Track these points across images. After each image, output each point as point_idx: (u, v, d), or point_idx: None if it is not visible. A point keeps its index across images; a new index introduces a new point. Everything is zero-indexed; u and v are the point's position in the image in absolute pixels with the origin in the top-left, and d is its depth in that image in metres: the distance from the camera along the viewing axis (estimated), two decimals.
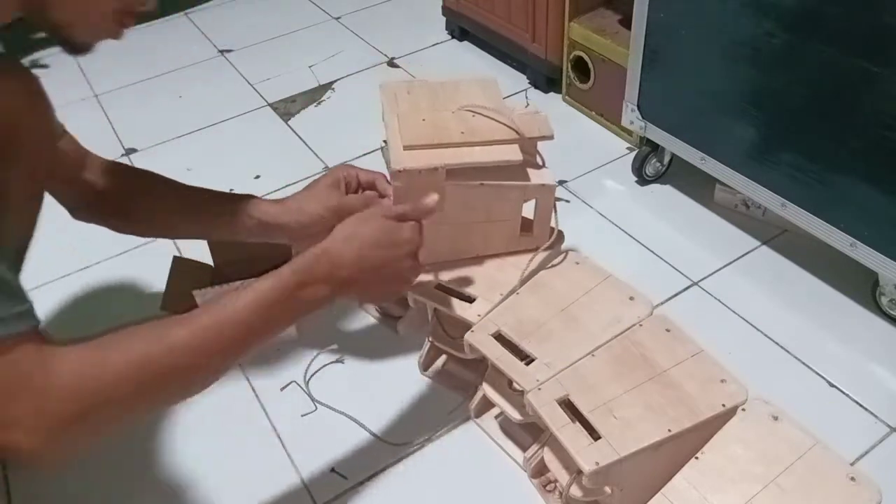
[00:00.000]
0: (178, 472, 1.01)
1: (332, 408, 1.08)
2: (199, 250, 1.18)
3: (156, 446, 1.05)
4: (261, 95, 1.80)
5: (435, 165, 0.95)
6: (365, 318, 1.21)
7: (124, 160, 1.61)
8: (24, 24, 0.72)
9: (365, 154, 1.53)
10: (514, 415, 0.94)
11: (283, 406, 1.09)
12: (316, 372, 1.13)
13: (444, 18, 1.95)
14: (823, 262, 1.22)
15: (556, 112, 1.56)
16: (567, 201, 1.41)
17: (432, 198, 0.84)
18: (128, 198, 0.99)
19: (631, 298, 0.99)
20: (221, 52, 2.00)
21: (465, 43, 1.93)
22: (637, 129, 1.39)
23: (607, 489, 0.84)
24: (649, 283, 1.08)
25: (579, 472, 0.81)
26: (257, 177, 1.52)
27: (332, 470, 1.00)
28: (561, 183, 1.44)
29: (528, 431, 0.99)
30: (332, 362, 1.14)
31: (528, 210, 1.05)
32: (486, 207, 1.01)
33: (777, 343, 1.13)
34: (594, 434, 0.82)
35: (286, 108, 1.75)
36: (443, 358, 1.12)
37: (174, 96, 1.83)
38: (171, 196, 0.99)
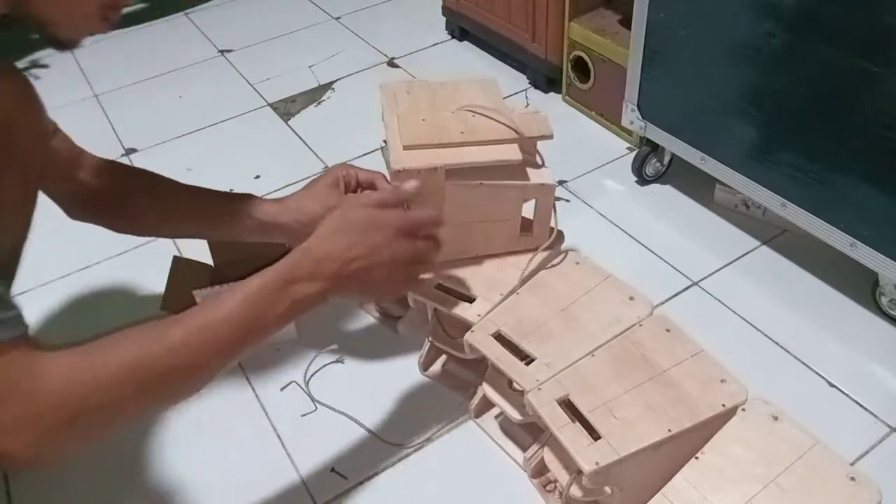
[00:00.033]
0: (178, 472, 1.01)
1: (332, 408, 1.08)
2: (199, 250, 1.18)
3: (156, 446, 1.05)
4: (261, 95, 1.80)
5: (434, 165, 0.95)
6: (365, 318, 1.21)
7: (124, 160, 1.61)
8: (18, 24, 0.72)
9: (365, 154, 1.53)
10: (514, 415, 0.94)
11: (283, 406, 1.09)
12: (316, 372, 1.13)
13: (444, 18, 1.95)
14: (823, 262, 1.22)
15: (556, 112, 1.56)
16: (567, 201, 1.41)
17: (411, 184, 0.84)
18: (123, 197, 0.98)
19: (631, 298, 0.99)
20: (221, 52, 2.00)
21: (465, 43, 1.93)
22: (637, 129, 1.39)
23: (607, 489, 0.84)
24: (649, 283, 1.08)
25: (579, 472, 0.81)
26: (257, 177, 1.52)
27: (332, 470, 1.00)
28: (561, 183, 1.44)
29: (528, 431, 0.99)
30: (332, 362, 1.14)
31: (528, 210, 1.05)
32: (486, 207, 1.01)
33: (777, 343, 1.13)
34: (594, 434, 0.82)
35: (286, 108, 1.75)
36: (443, 358, 1.12)
37: (174, 96, 1.83)
38: (167, 195, 0.99)
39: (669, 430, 0.82)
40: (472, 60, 1.86)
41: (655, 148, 1.40)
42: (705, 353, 0.92)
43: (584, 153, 1.52)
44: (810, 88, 1.07)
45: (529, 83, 1.75)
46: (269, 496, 0.98)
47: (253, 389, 1.12)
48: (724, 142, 1.23)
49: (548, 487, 0.95)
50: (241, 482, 0.99)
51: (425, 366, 1.11)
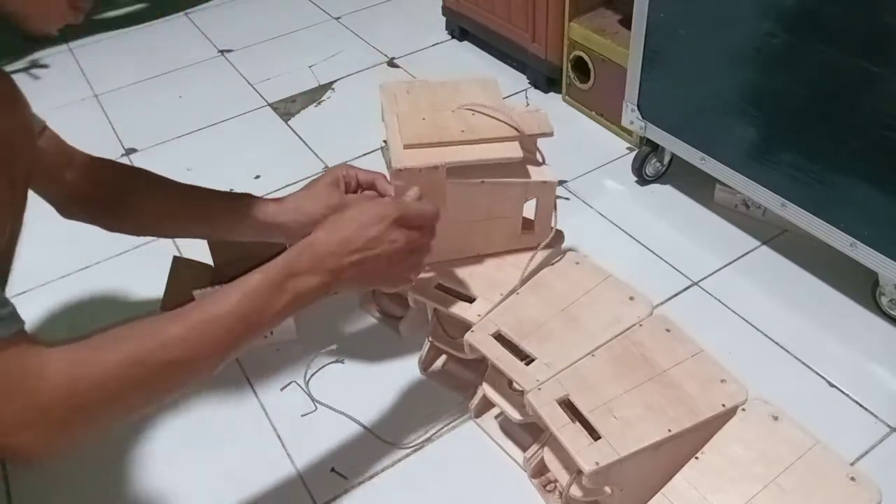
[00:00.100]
0: (178, 471, 1.01)
1: (332, 408, 1.08)
2: (199, 250, 1.18)
3: (156, 446, 1.05)
4: (261, 95, 1.80)
5: (435, 164, 0.95)
6: (365, 318, 1.21)
7: (124, 160, 1.61)
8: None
9: (365, 154, 1.53)
10: (514, 415, 0.94)
11: (283, 406, 1.09)
12: (316, 372, 1.13)
13: (444, 18, 1.95)
14: (823, 262, 1.22)
15: (556, 112, 1.56)
16: (567, 199, 1.41)
17: (413, 191, 0.86)
18: (118, 196, 0.98)
19: (631, 298, 0.99)
20: (221, 52, 2.00)
21: (465, 43, 1.93)
22: (637, 129, 1.39)
23: (607, 489, 0.84)
24: (649, 283, 1.08)
25: (579, 472, 0.81)
26: (257, 177, 1.52)
27: (332, 470, 1.00)
28: (561, 183, 1.44)
29: (528, 431, 0.99)
30: (332, 362, 1.14)
31: (528, 210, 1.05)
32: (487, 205, 1.01)
33: (777, 343, 1.13)
34: (594, 434, 0.82)
35: (286, 108, 1.75)
36: (443, 358, 1.12)
37: (174, 96, 1.83)
38: (165, 195, 0.99)
39: (669, 430, 0.82)
40: (472, 60, 1.86)
41: (655, 148, 1.40)
42: (705, 353, 0.92)
43: (584, 153, 1.52)
44: (810, 88, 1.07)
45: (529, 83, 1.75)
46: (269, 496, 0.98)
47: (253, 389, 1.12)
48: (724, 142, 1.23)
49: (548, 487, 0.95)
50: (242, 482, 0.99)
51: (425, 366, 1.11)
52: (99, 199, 0.97)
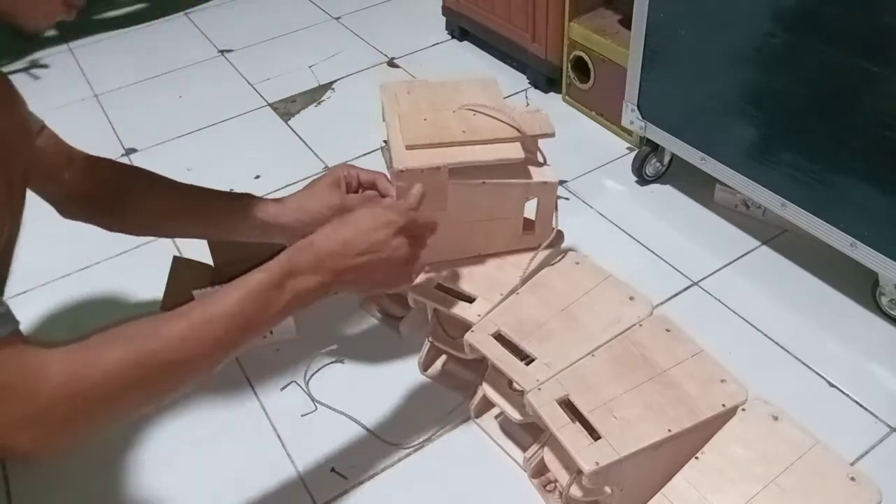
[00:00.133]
0: (178, 471, 1.01)
1: (332, 408, 1.08)
2: (199, 250, 1.18)
3: (156, 445, 1.05)
4: (261, 95, 1.80)
5: (437, 164, 0.95)
6: (365, 318, 1.21)
7: (124, 160, 1.61)
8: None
9: (365, 154, 1.53)
10: (514, 415, 0.94)
11: (283, 406, 1.09)
12: (316, 372, 1.13)
13: (444, 18, 1.95)
14: (823, 262, 1.22)
15: (556, 112, 1.55)
16: (567, 199, 1.41)
17: (417, 188, 0.86)
18: (117, 196, 0.97)
19: (631, 298, 0.99)
20: (221, 52, 2.00)
21: (465, 43, 1.93)
22: (637, 129, 1.39)
23: (607, 489, 0.84)
24: (649, 283, 1.08)
25: (579, 472, 0.81)
26: (257, 177, 1.52)
27: (332, 470, 1.00)
28: (561, 183, 1.43)
29: (528, 431, 0.99)
30: (332, 362, 1.14)
31: (529, 210, 1.05)
32: (489, 206, 1.01)
33: (777, 343, 1.13)
34: (594, 434, 0.82)
35: (286, 108, 1.75)
36: (443, 358, 1.12)
37: (174, 96, 1.83)
38: (163, 194, 0.99)
39: (669, 430, 0.82)
40: (472, 60, 1.86)
41: (655, 148, 1.40)
42: (705, 353, 0.92)
43: (584, 153, 1.52)
44: (810, 88, 1.07)
45: (529, 83, 1.75)
46: (269, 496, 0.98)
47: (253, 389, 1.12)
48: (724, 142, 1.23)
49: (548, 487, 0.95)
50: (242, 482, 0.99)
51: (425, 366, 1.11)
52: (98, 198, 0.97)
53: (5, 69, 1.57)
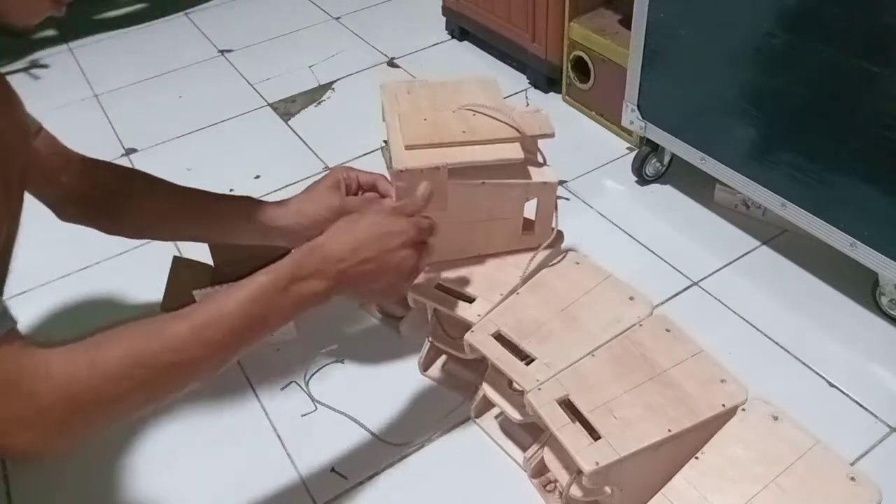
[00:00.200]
0: (178, 471, 1.01)
1: (332, 408, 1.08)
2: (199, 250, 1.18)
3: (156, 446, 1.05)
4: (261, 95, 1.80)
5: (437, 165, 0.95)
6: (365, 318, 1.21)
7: (124, 160, 1.61)
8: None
9: (365, 154, 1.53)
10: (514, 415, 0.94)
11: (283, 406, 1.09)
12: (316, 372, 1.13)
13: (444, 18, 1.95)
14: (823, 262, 1.22)
15: (556, 112, 1.55)
16: (567, 199, 1.41)
17: (424, 186, 0.85)
18: (115, 198, 0.97)
19: (631, 298, 0.99)
20: (221, 52, 2.00)
21: (465, 43, 1.93)
22: (637, 129, 1.39)
23: (607, 489, 0.84)
24: (649, 283, 1.08)
25: (579, 472, 0.81)
26: (257, 177, 1.52)
27: (332, 470, 1.00)
28: (561, 183, 1.44)
29: (528, 431, 0.99)
30: (332, 362, 1.14)
31: (529, 210, 1.05)
32: (488, 206, 1.01)
33: (777, 343, 1.13)
34: (594, 434, 0.82)
35: (286, 108, 1.75)
36: (443, 358, 1.12)
37: (174, 96, 1.83)
38: (161, 196, 0.98)
39: (669, 430, 0.82)
40: (472, 60, 1.86)
41: (655, 148, 1.40)
42: (705, 353, 0.92)
43: (584, 153, 1.52)
44: (810, 88, 1.07)
45: (529, 83, 1.75)
46: (269, 496, 0.98)
47: (253, 390, 1.12)
48: (724, 142, 1.23)
49: (548, 487, 0.95)
50: (241, 482, 0.99)
51: (425, 366, 1.11)
52: (95, 200, 0.96)
53: (5, 69, 1.57)
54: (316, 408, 1.08)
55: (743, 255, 1.28)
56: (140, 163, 1.59)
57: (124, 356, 0.65)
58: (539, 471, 0.96)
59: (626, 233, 1.34)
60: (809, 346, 1.12)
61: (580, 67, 1.58)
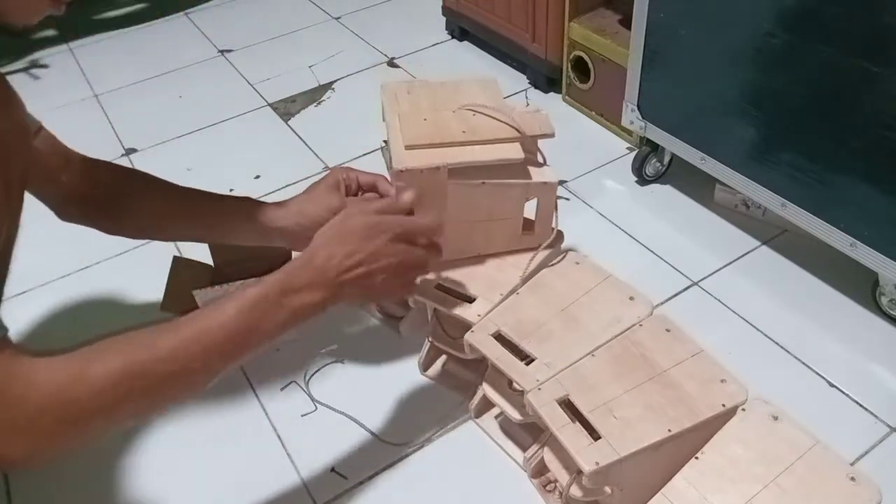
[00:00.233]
0: (178, 471, 1.01)
1: (332, 408, 1.08)
2: (199, 250, 1.18)
3: (156, 446, 1.05)
4: (261, 95, 1.80)
5: (437, 164, 0.95)
6: (365, 318, 1.21)
7: (124, 160, 1.61)
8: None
9: (365, 154, 1.53)
10: (514, 415, 0.94)
11: (283, 406, 1.09)
12: (316, 372, 1.13)
13: (444, 18, 1.95)
14: (823, 262, 1.22)
15: (556, 112, 1.55)
16: (567, 199, 1.41)
17: (408, 195, 0.84)
18: (115, 198, 0.97)
19: (631, 298, 0.99)
20: (221, 52, 2.00)
21: (465, 43, 1.93)
22: (637, 129, 1.39)
23: (607, 489, 0.84)
24: (649, 283, 1.08)
25: (579, 472, 0.81)
26: (257, 177, 1.52)
27: (332, 470, 1.00)
28: (561, 183, 1.44)
29: (528, 431, 0.99)
30: (332, 362, 1.14)
31: (529, 210, 1.05)
32: (488, 206, 1.01)
33: (777, 343, 1.13)
34: (594, 434, 0.82)
35: (286, 108, 1.75)
36: (443, 358, 1.12)
37: (174, 96, 1.83)
38: (161, 196, 0.98)
39: (669, 430, 0.82)
40: (472, 60, 1.86)
41: (655, 148, 1.40)
42: (705, 353, 0.92)
43: (584, 153, 1.52)
44: (810, 88, 1.07)
45: (529, 83, 1.75)
46: (269, 496, 0.98)
47: (253, 389, 1.12)
48: (724, 142, 1.23)
49: (548, 487, 0.95)
50: (241, 482, 0.99)
51: (425, 366, 1.11)
52: (95, 200, 0.96)
53: (5, 69, 1.57)
54: (316, 408, 1.08)
55: (743, 255, 1.28)
56: (140, 163, 1.59)
57: (115, 367, 0.64)
58: (539, 471, 0.96)
59: (626, 233, 1.34)
60: (809, 346, 1.12)
61: (580, 67, 1.58)
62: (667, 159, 1.41)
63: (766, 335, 1.14)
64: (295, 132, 1.66)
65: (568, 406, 0.86)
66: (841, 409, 1.04)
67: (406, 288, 0.84)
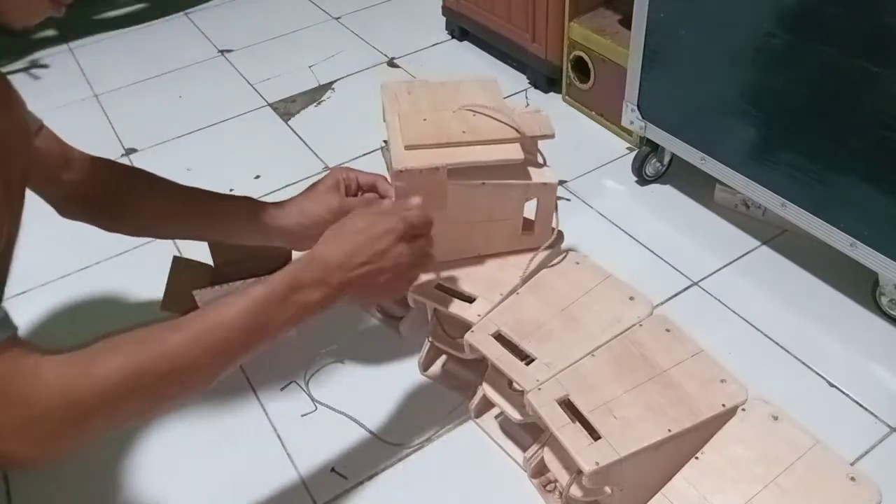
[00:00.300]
0: (178, 471, 1.01)
1: (332, 408, 1.08)
2: (199, 250, 1.18)
3: (156, 446, 1.05)
4: (261, 95, 1.80)
5: (436, 165, 0.95)
6: (365, 318, 1.21)
7: (124, 160, 1.61)
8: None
9: (365, 154, 1.53)
10: (514, 415, 0.94)
11: (283, 406, 1.09)
12: (316, 372, 1.13)
13: (444, 18, 1.95)
14: (823, 262, 1.22)
15: (556, 112, 1.55)
16: (567, 199, 1.41)
17: (415, 200, 0.85)
18: (116, 196, 0.97)
19: (631, 298, 0.99)
20: (221, 52, 2.00)
21: (465, 43, 1.93)
22: (637, 129, 1.39)
23: (607, 489, 0.84)
24: (649, 283, 1.08)
25: (579, 472, 0.81)
26: (257, 177, 1.52)
27: (332, 470, 1.00)
28: (561, 183, 1.44)
29: (528, 431, 0.99)
30: (332, 362, 1.14)
31: (529, 210, 1.05)
32: (488, 206, 1.01)
33: (777, 343, 1.13)
34: (594, 434, 0.82)
35: (286, 108, 1.75)
36: (443, 358, 1.12)
37: (174, 96, 1.83)
38: (162, 195, 0.98)
39: (669, 430, 0.82)
40: (472, 60, 1.86)
41: (655, 148, 1.40)
42: (705, 353, 0.92)
43: (584, 153, 1.52)
44: (810, 88, 1.07)
45: (529, 83, 1.75)
46: (269, 496, 0.98)
47: (253, 389, 1.12)
48: (724, 142, 1.23)
49: (548, 487, 0.95)
50: (241, 482, 0.99)
51: (425, 366, 1.11)
52: (97, 198, 0.96)
53: (5, 69, 1.57)
54: (316, 408, 1.08)
55: (743, 255, 1.28)
56: (140, 163, 1.59)
57: (121, 364, 0.65)
58: (539, 471, 0.96)
59: (626, 233, 1.34)
60: (809, 346, 1.12)
61: (580, 67, 1.58)
62: (667, 159, 1.41)
63: (766, 335, 1.14)
64: (295, 132, 1.66)
65: (568, 406, 0.86)
66: (841, 409, 1.04)
67: (409, 285, 0.86)
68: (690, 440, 0.84)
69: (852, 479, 0.80)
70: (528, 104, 1.66)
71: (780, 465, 0.81)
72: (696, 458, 0.84)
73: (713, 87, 1.22)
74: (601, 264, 1.05)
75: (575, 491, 0.87)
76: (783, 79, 1.10)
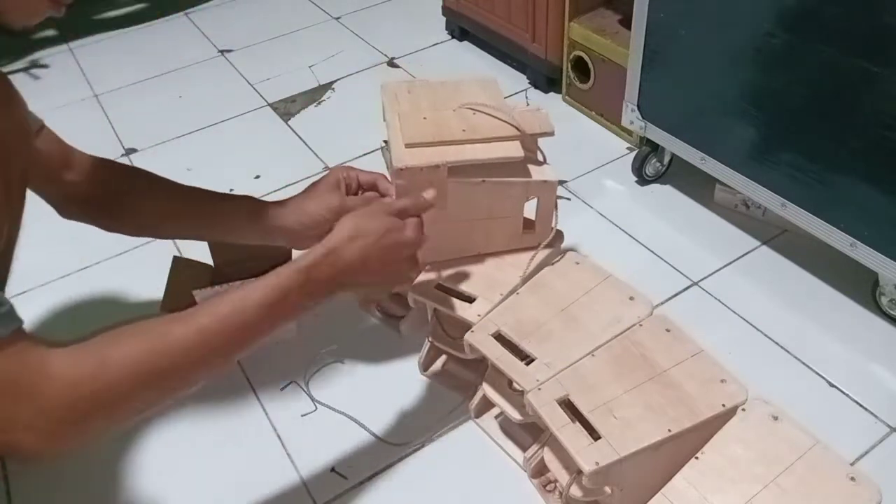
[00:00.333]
0: (178, 471, 1.01)
1: (332, 408, 1.08)
2: (199, 250, 1.18)
3: (156, 445, 1.05)
4: (261, 95, 1.80)
5: (437, 163, 0.95)
6: (365, 318, 1.21)
7: (124, 160, 1.61)
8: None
9: (365, 154, 1.53)
10: (514, 415, 0.94)
11: (283, 406, 1.09)
12: (316, 372, 1.13)
13: (444, 18, 1.96)
14: (823, 262, 1.22)
15: (556, 112, 1.55)
16: (568, 199, 1.41)
17: (430, 192, 0.87)
18: (116, 196, 0.97)
19: (631, 298, 0.99)
20: (221, 52, 2.00)
21: (465, 43, 1.93)
22: (637, 129, 1.39)
23: (607, 489, 0.84)
24: (649, 283, 1.08)
25: (579, 472, 0.81)
26: (257, 177, 1.52)
27: (332, 470, 1.00)
28: (561, 183, 1.44)
29: (528, 431, 0.99)
30: (332, 362, 1.14)
31: (529, 210, 1.05)
32: (488, 204, 1.01)
33: (777, 343, 1.13)
34: (594, 434, 0.82)
35: (286, 108, 1.75)
36: (443, 358, 1.12)
37: (174, 96, 1.83)
38: (163, 195, 0.98)
39: (669, 430, 0.82)
40: (472, 60, 1.86)
41: (655, 148, 1.40)
42: (705, 353, 0.92)
43: (584, 153, 1.52)
44: (810, 88, 1.07)
45: (529, 83, 1.75)
46: (269, 496, 0.98)
47: (253, 389, 1.12)
48: (724, 142, 1.23)
49: (548, 487, 0.95)
50: (242, 482, 0.99)
51: (425, 366, 1.11)
52: (97, 198, 0.96)
53: (5, 69, 1.57)
54: (316, 408, 1.08)
55: (743, 255, 1.28)
56: (140, 163, 1.59)
57: (133, 354, 0.65)
58: (539, 471, 0.96)
59: (626, 233, 1.34)
60: (809, 346, 1.12)
61: (580, 67, 1.58)
62: (667, 159, 1.41)
63: (766, 335, 1.14)
64: (295, 132, 1.66)
65: (568, 406, 0.86)
66: (841, 409, 1.04)
67: (404, 284, 0.90)
68: (690, 440, 0.84)
69: (852, 479, 0.80)
70: (528, 104, 1.66)
71: (780, 465, 0.81)
72: (696, 458, 0.84)
73: (713, 87, 1.22)
74: (601, 264, 1.05)
75: (575, 491, 0.87)
76: (783, 79, 1.10)
